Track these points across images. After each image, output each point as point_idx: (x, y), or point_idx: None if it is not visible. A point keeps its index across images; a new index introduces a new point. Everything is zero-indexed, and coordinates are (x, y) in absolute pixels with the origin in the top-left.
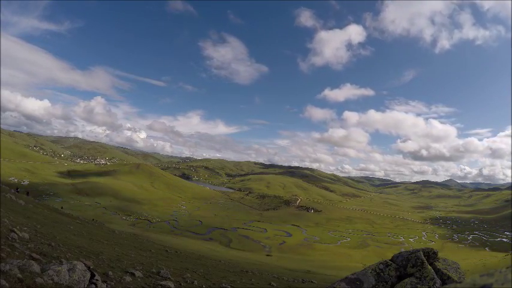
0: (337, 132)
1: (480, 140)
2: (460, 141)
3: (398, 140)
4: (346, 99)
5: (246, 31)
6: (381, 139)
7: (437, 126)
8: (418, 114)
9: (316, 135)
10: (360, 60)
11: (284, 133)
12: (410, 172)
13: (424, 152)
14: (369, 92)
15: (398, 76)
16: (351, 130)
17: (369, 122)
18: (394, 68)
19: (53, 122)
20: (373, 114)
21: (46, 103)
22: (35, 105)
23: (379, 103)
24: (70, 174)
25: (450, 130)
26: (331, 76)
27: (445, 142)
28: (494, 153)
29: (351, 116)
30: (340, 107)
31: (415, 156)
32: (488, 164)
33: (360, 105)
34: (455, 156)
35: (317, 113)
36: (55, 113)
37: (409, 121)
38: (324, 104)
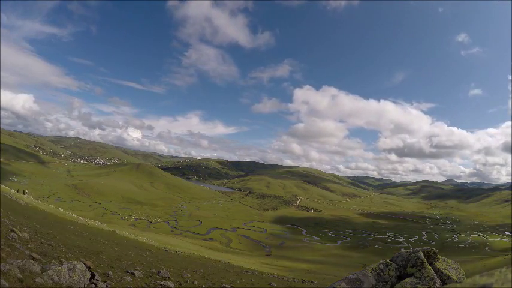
0: (299, 127)
1: (470, 136)
2: (450, 137)
3: (378, 137)
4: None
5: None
6: (362, 135)
7: (419, 117)
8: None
9: (286, 131)
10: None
11: (277, 133)
12: (406, 171)
13: (407, 149)
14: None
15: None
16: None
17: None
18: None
19: (40, 118)
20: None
21: (31, 97)
22: (20, 99)
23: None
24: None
25: (430, 122)
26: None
27: (429, 138)
28: (485, 151)
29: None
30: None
31: (401, 152)
32: (482, 162)
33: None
34: (441, 153)
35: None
36: (34, 107)
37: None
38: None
